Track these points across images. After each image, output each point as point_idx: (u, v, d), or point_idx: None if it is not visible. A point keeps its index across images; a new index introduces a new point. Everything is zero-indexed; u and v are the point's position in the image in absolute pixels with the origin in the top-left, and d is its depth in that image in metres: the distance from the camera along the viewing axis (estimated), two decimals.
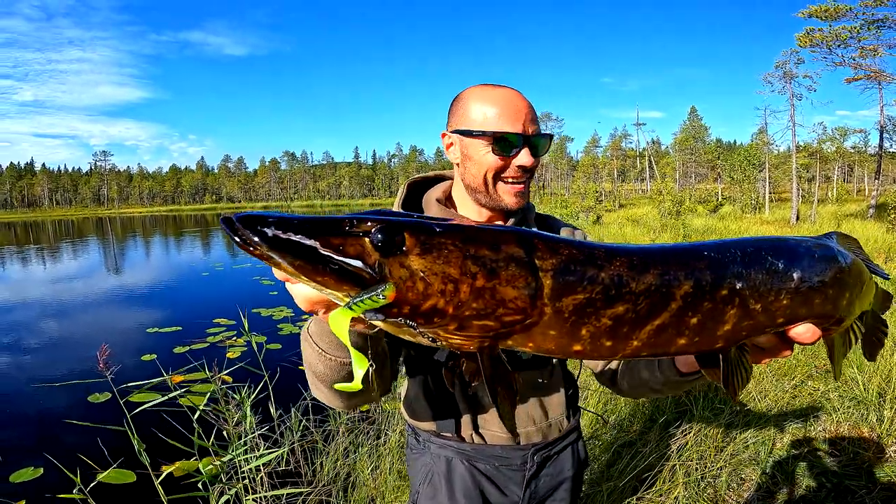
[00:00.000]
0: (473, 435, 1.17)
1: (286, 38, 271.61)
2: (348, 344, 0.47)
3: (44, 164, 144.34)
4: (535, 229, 0.57)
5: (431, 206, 1.18)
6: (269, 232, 0.43)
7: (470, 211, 1.16)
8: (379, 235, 0.45)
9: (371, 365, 0.53)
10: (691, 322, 0.55)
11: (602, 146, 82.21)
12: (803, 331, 0.63)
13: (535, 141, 1.08)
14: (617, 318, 0.51)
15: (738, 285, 0.57)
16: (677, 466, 2.80)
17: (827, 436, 3.36)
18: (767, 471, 2.99)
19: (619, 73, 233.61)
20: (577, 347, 0.52)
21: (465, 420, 1.17)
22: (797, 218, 23.66)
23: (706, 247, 0.59)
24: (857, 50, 17.84)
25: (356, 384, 0.51)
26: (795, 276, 0.61)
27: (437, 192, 1.20)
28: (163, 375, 3.10)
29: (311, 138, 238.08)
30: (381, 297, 0.44)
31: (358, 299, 0.44)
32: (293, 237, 0.44)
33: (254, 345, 3.70)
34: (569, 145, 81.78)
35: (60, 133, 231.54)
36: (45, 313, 10.17)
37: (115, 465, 2.78)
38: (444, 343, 0.50)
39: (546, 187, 69.33)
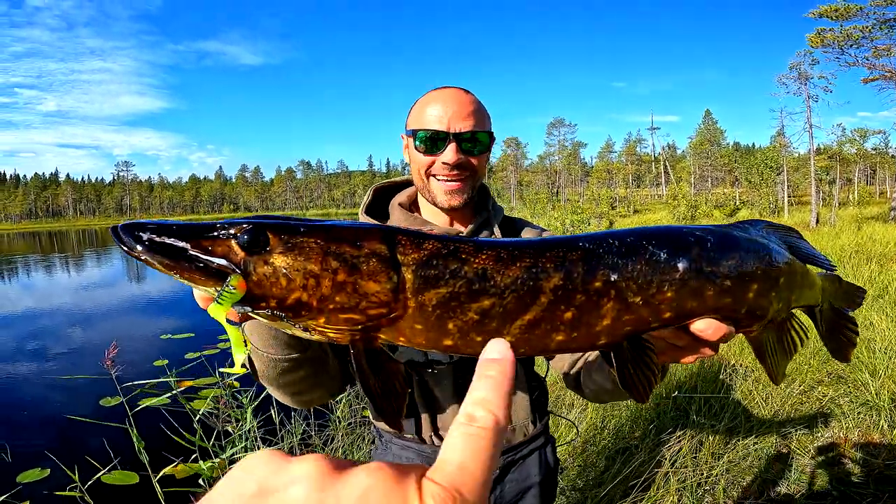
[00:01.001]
0: (433, 437, 1.16)
1: (298, 46, 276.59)
2: (227, 327, 0.53)
3: (68, 175, 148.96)
4: (402, 226, 0.58)
5: (395, 210, 1.18)
6: (145, 237, 0.48)
7: (430, 213, 1.17)
8: (244, 236, 0.48)
9: (248, 349, 0.57)
10: (565, 317, 0.53)
11: (616, 151, 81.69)
12: (703, 327, 0.59)
13: (464, 138, 1.07)
14: (483, 313, 0.51)
15: (614, 277, 0.54)
16: (671, 473, 2.75)
17: (835, 442, 3.27)
18: (770, 478, 2.93)
19: (632, 77, 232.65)
20: (448, 342, 0.52)
21: (425, 421, 1.16)
22: (817, 221, 23.18)
23: (582, 238, 0.56)
24: (870, 50, 17.58)
25: (238, 369, 0.56)
26: (680, 266, 0.57)
27: (401, 197, 1.21)
28: (172, 381, 3.16)
29: (325, 146, 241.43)
30: (230, 288, 0.47)
31: (219, 293, 0.48)
32: (166, 240, 0.48)
33: None
34: (582, 151, 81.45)
35: (84, 143, 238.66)
36: (68, 320, 10.45)
37: (118, 467, 2.84)
38: (318, 335, 0.51)
39: (560, 193, 69.01)
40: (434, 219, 1.17)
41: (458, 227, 1.19)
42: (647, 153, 79.60)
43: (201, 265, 0.48)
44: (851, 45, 18.10)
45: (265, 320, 0.52)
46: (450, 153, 1.07)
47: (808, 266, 0.74)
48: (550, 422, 1.34)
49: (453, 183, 1.10)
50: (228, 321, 0.52)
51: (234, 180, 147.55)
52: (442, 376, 1.12)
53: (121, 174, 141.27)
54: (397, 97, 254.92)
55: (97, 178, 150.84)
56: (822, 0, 17.82)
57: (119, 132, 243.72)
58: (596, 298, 0.54)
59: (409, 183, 1.26)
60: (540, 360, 1.40)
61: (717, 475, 2.87)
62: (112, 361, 2.34)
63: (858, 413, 3.56)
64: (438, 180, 1.10)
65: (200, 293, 0.55)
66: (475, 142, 1.09)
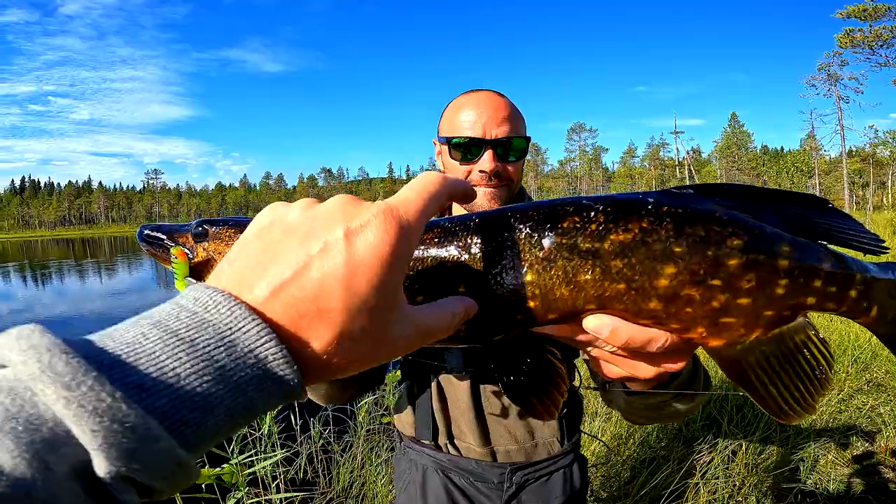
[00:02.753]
0: (448, 445, 1.15)
1: (317, 54, 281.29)
2: (177, 276, 0.68)
3: (100, 183, 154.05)
4: None
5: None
6: (143, 232, 0.72)
7: None
8: (195, 229, 0.67)
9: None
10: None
11: (639, 156, 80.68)
12: (595, 325, 0.48)
13: (500, 144, 1.04)
14: None
15: (464, 257, 0.48)
16: (701, 485, 2.66)
17: (875, 452, 3.14)
18: (806, 489, 2.82)
19: (655, 81, 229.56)
20: None
21: (441, 428, 1.15)
22: None
23: (461, 217, 0.51)
24: None
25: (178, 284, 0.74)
26: (545, 242, 0.48)
27: None
28: None
29: (346, 153, 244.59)
30: (173, 258, 0.66)
31: (172, 265, 0.67)
32: (152, 233, 0.70)
33: None
34: (604, 156, 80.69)
35: (116, 151, 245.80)
36: (100, 326, 10.67)
37: None
38: None
39: None
40: None
41: None
42: (671, 157, 78.41)
43: (162, 248, 0.69)
44: (882, 46, 17.67)
45: None
46: (486, 161, 1.04)
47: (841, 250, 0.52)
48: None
49: (491, 189, 1.07)
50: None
51: (258, 188, 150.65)
52: (458, 385, 1.11)
53: (150, 182, 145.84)
54: (417, 103, 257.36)
55: (128, 186, 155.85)
56: (849, 0, 17.42)
57: (149, 140, 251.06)
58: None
59: None
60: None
61: (750, 486, 2.77)
62: None
63: None
64: (476, 187, 1.07)
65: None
66: (511, 148, 1.06)
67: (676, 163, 75.73)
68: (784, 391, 0.50)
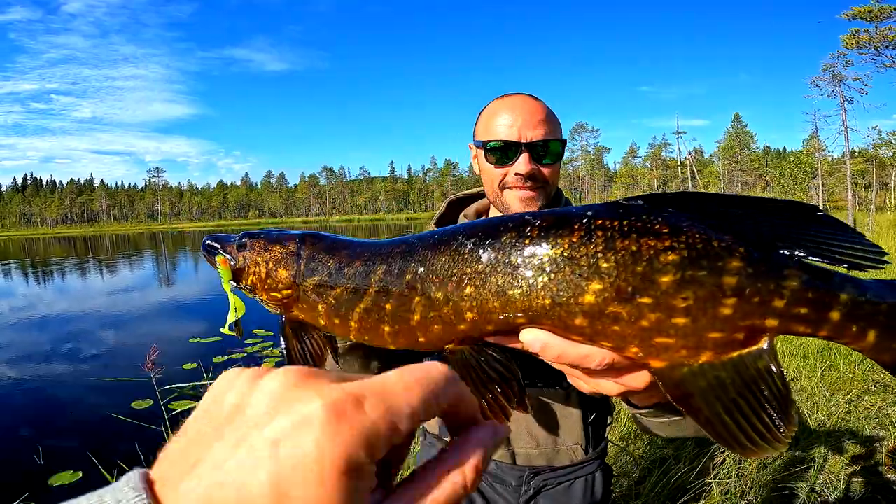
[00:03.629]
0: None
1: (321, 54, 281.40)
2: (228, 292, 0.74)
3: (102, 181, 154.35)
4: (317, 231, 0.71)
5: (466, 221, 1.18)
6: (204, 242, 0.78)
7: None
8: (239, 241, 0.73)
9: (237, 316, 0.76)
10: (387, 308, 0.56)
11: (641, 156, 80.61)
12: (529, 339, 0.48)
13: (536, 147, 1.04)
14: (337, 298, 0.61)
15: (420, 270, 0.53)
16: (714, 484, 2.66)
17: (887, 453, 3.14)
18: (816, 488, 2.83)
19: (658, 81, 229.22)
20: (322, 321, 0.64)
21: None
22: (854, 226, 22.44)
23: (423, 234, 0.59)
24: None
25: (225, 330, 0.77)
26: (484, 256, 0.49)
27: (469, 209, 1.21)
28: (202, 382, 3.20)
29: (347, 152, 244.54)
30: (218, 265, 0.73)
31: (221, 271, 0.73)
32: (207, 243, 0.77)
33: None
34: (606, 156, 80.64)
35: (118, 150, 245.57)
36: (101, 323, 10.76)
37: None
38: (269, 306, 0.71)
39: (583, 199, 68.35)
40: None
41: None
42: (673, 158, 78.36)
43: (211, 256, 0.75)
44: (888, 47, 17.60)
45: (248, 294, 0.74)
46: (522, 164, 1.04)
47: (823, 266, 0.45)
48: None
49: (528, 192, 1.07)
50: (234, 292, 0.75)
51: (259, 186, 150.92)
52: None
53: (152, 180, 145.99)
54: (419, 103, 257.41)
55: (130, 184, 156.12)
56: (855, 1, 17.36)
57: (151, 139, 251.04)
58: (407, 291, 0.54)
59: (480, 195, 1.24)
60: None
61: (761, 486, 2.77)
62: (153, 364, 2.39)
63: None
64: (512, 190, 1.08)
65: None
66: (547, 151, 1.07)
67: (678, 163, 75.69)
68: (743, 422, 0.44)
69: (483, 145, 1.06)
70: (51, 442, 4.78)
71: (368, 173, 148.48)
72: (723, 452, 2.94)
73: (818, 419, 3.55)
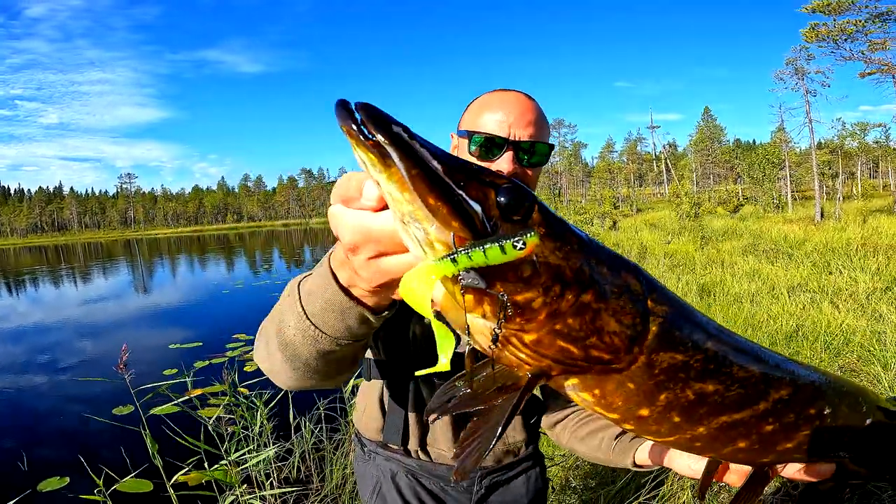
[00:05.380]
0: (419, 451, 1.13)
1: (299, 54, 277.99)
2: (430, 313, 0.38)
3: (72, 188, 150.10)
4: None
5: None
6: (396, 129, 0.37)
7: None
8: (506, 195, 0.38)
9: (458, 344, 0.43)
10: (766, 429, 0.51)
11: (617, 151, 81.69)
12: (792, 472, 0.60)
13: (523, 147, 0.99)
14: (701, 396, 0.46)
15: (827, 410, 0.55)
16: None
17: None
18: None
19: (634, 76, 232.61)
20: (643, 412, 0.46)
21: (413, 433, 1.11)
22: (821, 216, 23.12)
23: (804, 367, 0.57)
24: (865, 44, 17.48)
25: (443, 365, 0.41)
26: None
27: None
28: (183, 388, 3.20)
29: (327, 154, 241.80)
30: (518, 245, 0.35)
31: (477, 247, 0.35)
32: (419, 146, 0.37)
33: None
34: (583, 151, 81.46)
35: (87, 156, 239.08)
36: (78, 332, 10.52)
37: (130, 471, 2.87)
38: (500, 352, 0.42)
39: (562, 195, 68.98)
40: None
41: None
42: (649, 152, 79.56)
43: (454, 198, 0.37)
44: (846, 40, 18.00)
45: (456, 307, 0.39)
46: (505, 162, 0.98)
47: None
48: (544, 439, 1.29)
49: None
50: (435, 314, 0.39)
51: (236, 190, 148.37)
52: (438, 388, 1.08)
53: (124, 186, 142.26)
54: (398, 102, 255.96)
55: (101, 191, 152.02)
56: None
57: (121, 144, 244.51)
58: (802, 423, 0.54)
59: None
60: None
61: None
62: (125, 365, 2.39)
63: None
64: None
65: (380, 227, 0.42)
66: (533, 152, 1.00)
67: (653, 157, 76.85)
68: None
69: (469, 136, 0.99)
70: (35, 450, 4.72)
71: None
72: None
73: None
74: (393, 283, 0.48)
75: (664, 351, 0.43)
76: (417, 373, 0.46)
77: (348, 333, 0.63)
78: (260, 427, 3.07)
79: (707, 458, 0.58)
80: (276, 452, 3.12)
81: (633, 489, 2.64)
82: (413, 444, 1.12)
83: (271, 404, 3.24)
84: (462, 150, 1.03)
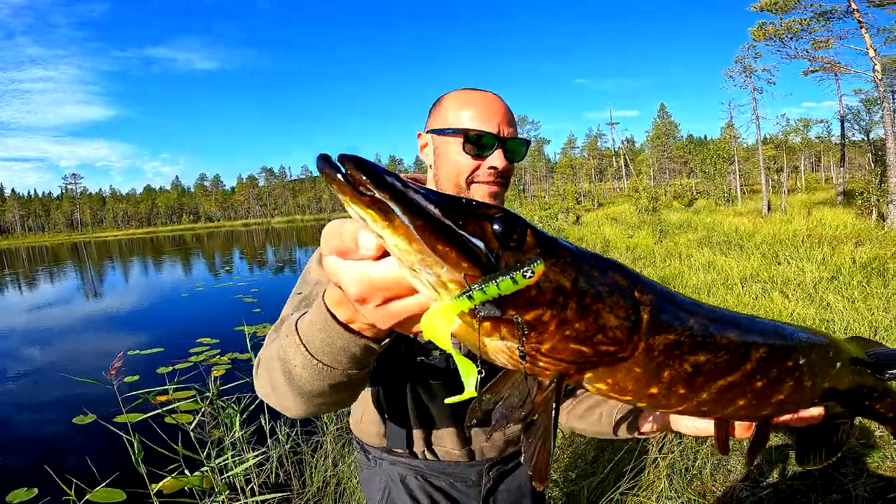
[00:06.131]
0: (426, 451, 1.14)
1: (259, 51, 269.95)
2: (450, 348, 0.40)
3: (13, 190, 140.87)
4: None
5: None
6: (391, 180, 0.38)
7: None
8: (502, 223, 0.41)
9: (480, 371, 0.44)
10: (756, 385, 0.57)
11: (578, 147, 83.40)
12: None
13: (510, 144, 1.04)
14: (697, 367, 0.51)
15: (802, 360, 0.61)
16: (659, 459, 2.82)
17: None
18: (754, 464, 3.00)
19: (594, 74, 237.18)
20: (653, 391, 0.51)
21: (417, 436, 1.12)
22: (768, 208, 24.29)
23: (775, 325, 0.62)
24: (809, 42, 18.20)
25: (470, 392, 0.43)
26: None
27: None
28: (147, 394, 3.11)
29: (289, 152, 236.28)
30: (527, 275, 0.38)
31: (490, 282, 0.37)
32: (415, 195, 0.39)
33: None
34: (546, 147, 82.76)
35: (28, 156, 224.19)
36: (26, 341, 9.93)
37: (104, 484, 2.76)
38: (523, 364, 0.44)
39: (526, 190, 69.89)
40: None
41: None
42: (608, 148, 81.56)
43: (459, 240, 0.39)
44: (791, 38, 18.57)
45: (477, 333, 0.42)
46: (497, 158, 1.02)
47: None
48: None
49: (495, 187, 1.05)
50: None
51: (192, 190, 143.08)
52: (437, 390, 1.09)
53: (69, 187, 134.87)
54: (359, 100, 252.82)
55: (44, 193, 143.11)
56: None
57: (65, 143, 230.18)
58: (784, 376, 0.59)
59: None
60: None
61: (703, 459, 2.93)
62: (116, 371, 2.33)
63: None
64: (479, 184, 1.04)
65: (383, 275, 0.43)
66: (517, 150, 1.05)
67: (613, 153, 78.87)
68: None
69: (463, 133, 1.00)
70: (1, 462, 4.51)
71: (311, 173, 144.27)
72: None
73: None
74: (405, 322, 0.48)
75: (658, 334, 0.48)
76: (448, 400, 0.48)
77: (355, 363, 0.64)
78: (236, 433, 3.01)
79: (715, 421, 0.65)
80: (255, 458, 3.07)
81: (613, 480, 2.70)
82: (419, 446, 1.13)
83: (249, 410, 3.18)
84: (443, 147, 1.04)
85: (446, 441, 1.13)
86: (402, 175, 0.42)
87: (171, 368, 6.80)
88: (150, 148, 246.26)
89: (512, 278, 0.37)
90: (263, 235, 57.39)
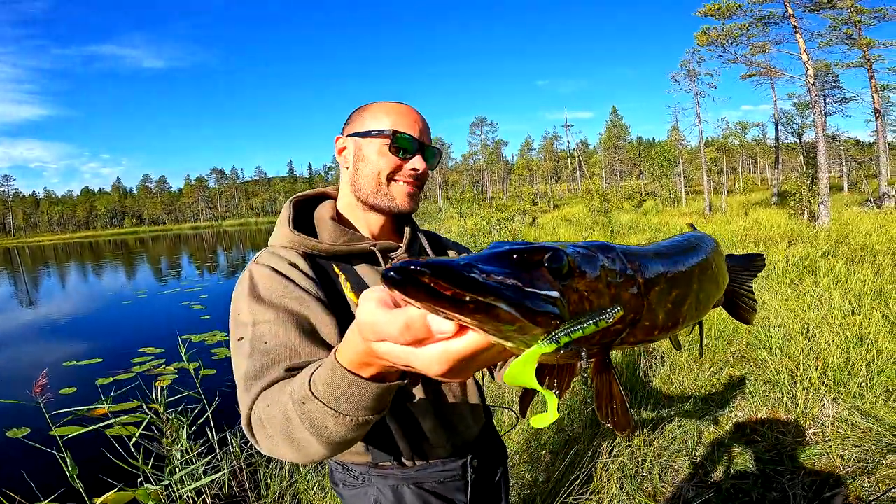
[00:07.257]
0: (414, 457, 1.13)
1: (210, 50, 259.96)
2: (538, 386, 0.43)
3: None
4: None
5: (325, 224, 1.14)
6: (473, 275, 0.38)
7: (361, 224, 1.17)
8: (554, 261, 0.43)
9: (558, 395, 0.49)
10: (700, 296, 0.65)
11: (536, 148, 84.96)
12: None
13: (429, 152, 1.14)
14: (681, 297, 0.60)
15: (714, 265, 0.72)
16: (609, 462, 2.84)
17: (748, 422, 3.40)
18: (697, 460, 3.05)
19: (553, 75, 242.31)
20: (653, 332, 0.57)
21: (403, 446, 1.11)
22: (710, 209, 25.52)
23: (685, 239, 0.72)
24: (748, 47, 18.97)
25: (553, 415, 0.47)
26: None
27: (326, 210, 1.17)
28: (87, 406, 2.92)
29: (242, 154, 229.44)
30: (608, 320, 0.42)
31: (576, 328, 0.41)
32: (493, 279, 0.39)
33: (190, 369, 3.47)
34: (504, 149, 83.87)
35: None
36: None
37: (47, 501, 2.57)
38: (582, 363, 0.48)
39: (485, 192, 70.55)
40: (362, 229, 1.17)
41: (393, 238, 1.22)
42: (564, 149, 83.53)
43: (539, 298, 0.40)
44: (732, 43, 19.14)
45: (560, 360, 0.48)
46: (419, 161, 1.12)
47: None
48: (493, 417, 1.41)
49: (413, 188, 1.14)
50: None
51: (135, 192, 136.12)
52: (419, 400, 1.11)
53: (1, 189, 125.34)
54: (315, 100, 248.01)
55: None
56: None
57: None
58: (709, 284, 0.69)
59: (323, 196, 1.23)
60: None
61: (651, 461, 2.98)
62: (41, 388, 2.19)
63: (763, 391, 3.72)
64: (399, 183, 1.12)
65: (470, 347, 0.43)
66: (432, 158, 1.17)
67: (568, 154, 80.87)
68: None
69: (391, 134, 1.08)
70: None
71: (265, 174, 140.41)
72: (613, 431, 3.15)
73: (689, 392, 3.90)
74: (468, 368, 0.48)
75: (650, 289, 0.54)
76: (534, 424, 0.49)
77: (385, 403, 0.70)
78: (184, 444, 2.88)
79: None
80: (207, 469, 2.94)
81: (567, 484, 2.70)
82: (406, 455, 1.12)
83: (197, 422, 3.04)
84: (366, 147, 1.11)
85: (433, 441, 1.14)
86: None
87: (111, 379, 6.44)
88: (90, 148, 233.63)
89: (595, 323, 0.41)
90: (214, 238, 55.24)
